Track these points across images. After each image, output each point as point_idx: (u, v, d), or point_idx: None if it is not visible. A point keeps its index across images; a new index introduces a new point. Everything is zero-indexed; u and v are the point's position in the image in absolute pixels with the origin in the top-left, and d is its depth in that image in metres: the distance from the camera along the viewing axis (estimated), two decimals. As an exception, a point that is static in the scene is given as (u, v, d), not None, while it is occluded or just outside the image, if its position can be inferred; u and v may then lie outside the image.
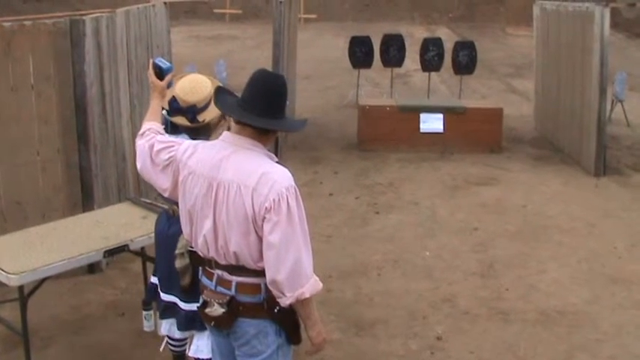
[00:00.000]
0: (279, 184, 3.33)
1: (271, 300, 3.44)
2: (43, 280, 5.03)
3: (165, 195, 3.77)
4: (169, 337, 5.00)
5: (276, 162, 3.47)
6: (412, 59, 15.87)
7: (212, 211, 3.43)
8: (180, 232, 3.96)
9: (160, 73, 4.07)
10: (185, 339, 4.95)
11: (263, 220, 3.33)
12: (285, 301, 3.38)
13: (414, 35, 20.87)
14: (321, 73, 17.37)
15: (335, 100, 14.83)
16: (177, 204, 3.77)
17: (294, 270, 3.32)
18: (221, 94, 3.65)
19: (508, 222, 8.37)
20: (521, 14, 23.45)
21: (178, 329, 4.74)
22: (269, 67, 7.80)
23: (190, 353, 4.78)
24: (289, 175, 3.40)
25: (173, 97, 4.47)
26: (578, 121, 10.67)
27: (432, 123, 11.18)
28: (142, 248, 5.80)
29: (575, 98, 10.78)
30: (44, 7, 20.71)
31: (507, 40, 23.62)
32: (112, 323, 6.05)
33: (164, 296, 4.75)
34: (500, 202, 9.06)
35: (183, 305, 4.60)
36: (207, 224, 3.45)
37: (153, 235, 5.07)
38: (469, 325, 6.11)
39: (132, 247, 5.36)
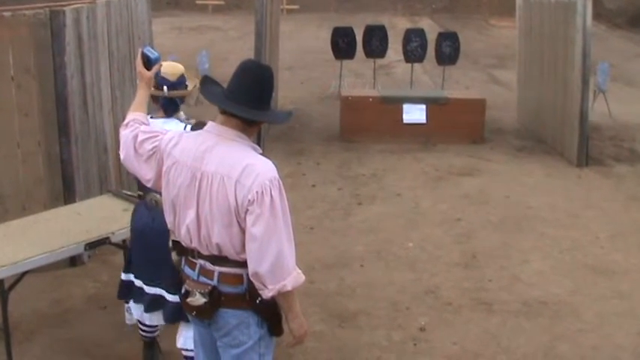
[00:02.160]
0: (263, 176, 3.31)
1: (253, 291, 3.42)
2: (24, 273, 4.99)
3: (149, 185, 3.73)
4: (140, 323, 5.01)
5: (261, 154, 3.45)
6: (395, 50, 15.86)
7: (195, 202, 3.42)
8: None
9: (148, 63, 4.01)
10: (156, 325, 4.96)
11: (246, 212, 3.31)
12: (267, 294, 3.37)
13: (397, 26, 20.87)
14: (304, 64, 17.34)
15: (317, 91, 14.81)
16: (159, 194, 3.75)
17: (276, 263, 3.30)
18: (207, 83, 3.62)
19: (491, 213, 8.39)
20: (504, 5, 23.48)
21: (165, 322, 4.77)
22: (251, 57, 7.76)
23: (179, 345, 4.80)
24: (273, 167, 3.38)
25: (162, 77, 4.58)
26: (560, 112, 10.69)
27: (414, 114, 11.18)
28: (124, 241, 5.76)
29: (558, 89, 10.80)
30: (25, -2, 20.57)
31: (490, 31, 23.67)
32: (94, 316, 6.02)
33: (148, 289, 4.75)
34: (482, 192, 9.08)
35: (170, 297, 4.60)
36: (190, 214, 3.44)
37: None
38: (452, 316, 6.12)
39: (113, 239, 5.33)
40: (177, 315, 4.59)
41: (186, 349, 4.72)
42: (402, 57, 14.60)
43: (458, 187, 9.30)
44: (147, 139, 3.64)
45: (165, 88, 4.64)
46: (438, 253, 7.33)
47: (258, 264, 3.31)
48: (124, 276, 4.98)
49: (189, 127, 4.57)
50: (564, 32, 10.48)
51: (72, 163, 6.77)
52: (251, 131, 3.49)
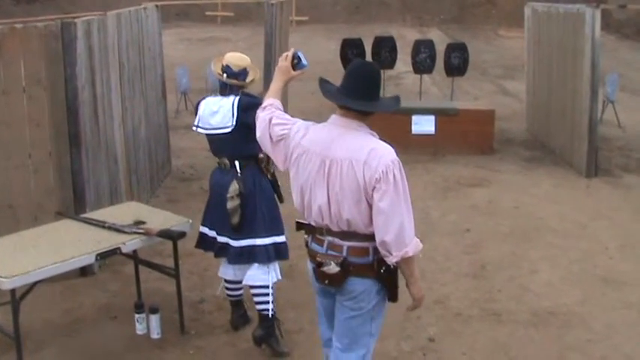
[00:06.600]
0: (386, 158, 3.86)
1: (380, 261, 3.97)
2: (35, 283, 5.03)
3: (280, 167, 4.26)
4: (226, 281, 5.78)
5: (380, 139, 3.98)
6: (404, 61, 15.87)
7: (325, 184, 3.94)
8: (231, 179, 5.30)
9: (297, 64, 4.41)
10: (239, 282, 5.66)
11: (373, 190, 3.84)
12: (391, 260, 3.90)
13: (406, 37, 20.88)
14: (314, 75, 17.25)
15: (327, 102, 14.73)
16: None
17: (399, 232, 3.85)
18: (324, 83, 4.22)
19: (500, 223, 8.39)
20: (513, 16, 23.51)
21: (229, 262, 5.57)
22: (260, 69, 7.79)
23: (245, 282, 5.57)
24: (393, 151, 3.92)
25: (227, 65, 5.44)
26: (569, 122, 10.69)
27: (423, 125, 11.19)
28: (134, 251, 5.80)
29: (567, 99, 10.81)
30: (35, 10, 20.68)
31: (499, 41, 23.68)
32: (105, 326, 6.05)
33: (220, 238, 5.55)
34: (492, 203, 9.08)
35: (233, 243, 5.45)
36: (321, 195, 3.96)
37: (144, 238, 5.43)
38: (461, 326, 6.12)
39: (124, 250, 5.37)
40: (238, 257, 5.46)
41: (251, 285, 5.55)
42: (410, 68, 14.60)
43: (467, 197, 9.30)
44: (278, 124, 4.22)
45: (224, 75, 5.44)
46: (447, 263, 7.33)
47: (385, 233, 3.84)
48: (201, 228, 5.70)
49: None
50: (573, 43, 10.48)
51: (82, 173, 6.81)
52: (367, 120, 4.05)
